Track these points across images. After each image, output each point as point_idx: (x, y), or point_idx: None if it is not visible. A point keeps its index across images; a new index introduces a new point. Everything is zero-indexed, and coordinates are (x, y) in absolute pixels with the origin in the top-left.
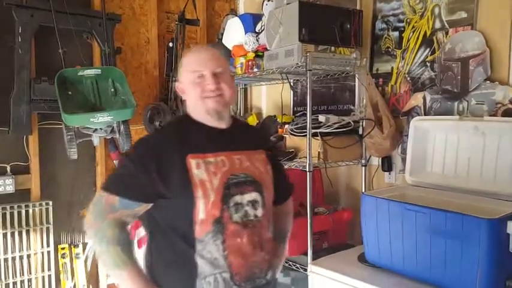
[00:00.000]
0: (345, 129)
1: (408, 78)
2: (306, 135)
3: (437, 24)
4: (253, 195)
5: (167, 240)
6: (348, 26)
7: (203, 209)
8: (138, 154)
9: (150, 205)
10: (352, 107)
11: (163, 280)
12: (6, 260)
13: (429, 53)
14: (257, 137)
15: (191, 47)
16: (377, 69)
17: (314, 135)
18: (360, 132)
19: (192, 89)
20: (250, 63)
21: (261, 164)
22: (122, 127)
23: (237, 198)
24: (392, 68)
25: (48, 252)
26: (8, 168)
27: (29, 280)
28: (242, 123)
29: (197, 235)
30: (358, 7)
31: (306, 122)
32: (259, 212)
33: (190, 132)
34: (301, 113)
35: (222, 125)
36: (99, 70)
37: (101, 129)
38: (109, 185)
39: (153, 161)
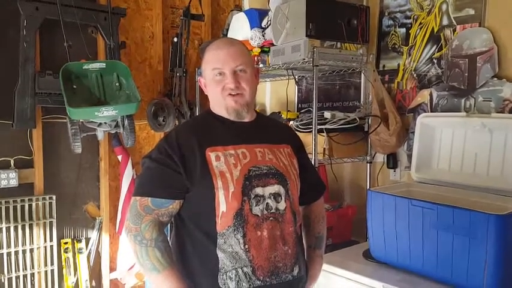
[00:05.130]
0: (350, 126)
1: (415, 75)
2: (311, 131)
3: (445, 21)
4: (275, 188)
5: (190, 235)
6: (355, 22)
7: (223, 201)
8: (160, 152)
9: (182, 201)
10: (357, 103)
11: (187, 275)
12: (9, 254)
13: (436, 50)
14: (283, 132)
15: (214, 42)
16: (383, 66)
17: (319, 131)
18: (366, 129)
19: (213, 86)
20: (255, 58)
21: (286, 157)
22: (126, 122)
23: (258, 190)
24: (398, 64)
25: (51, 246)
26: (12, 162)
27: (32, 275)
28: (267, 118)
29: (219, 229)
30: (365, 3)
31: (311, 118)
32: (282, 205)
33: (211, 126)
34: (305, 109)
35: (244, 119)
36: (104, 64)
37: (105, 123)
38: (138, 189)
39: (176, 156)
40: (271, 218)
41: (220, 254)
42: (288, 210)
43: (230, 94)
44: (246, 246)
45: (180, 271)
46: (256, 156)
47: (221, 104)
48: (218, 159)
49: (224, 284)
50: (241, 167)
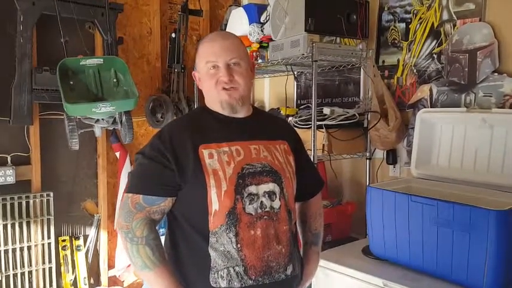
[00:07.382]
0: (349, 122)
1: (414, 71)
2: (310, 127)
3: (445, 16)
4: (270, 186)
5: (183, 232)
6: (355, 17)
7: (216, 200)
8: (153, 149)
9: (174, 199)
10: (357, 99)
11: (179, 273)
12: (6, 251)
13: (436, 45)
14: (279, 127)
15: (208, 35)
16: (383, 61)
17: (318, 127)
18: (365, 124)
19: (207, 79)
20: (254, 54)
21: (281, 154)
22: (124, 118)
23: (252, 188)
24: (398, 60)
25: (49, 244)
26: (9, 159)
27: (30, 272)
28: (263, 113)
29: (211, 227)
30: None
31: (310, 115)
32: (276, 203)
33: (205, 122)
34: (305, 105)
35: (239, 115)
36: (102, 60)
37: (103, 119)
38: (131, 186)
39: (168, 153)
40: (265, 217)
41: (212, 253)
42: (283, 209)
43: (224, 88)
44: (238, 246)
45: (172, 269)
46: (251, 153)
47: (215, 98)
48: (211, 156)
49: (216, 283)
50: (235, 164)
